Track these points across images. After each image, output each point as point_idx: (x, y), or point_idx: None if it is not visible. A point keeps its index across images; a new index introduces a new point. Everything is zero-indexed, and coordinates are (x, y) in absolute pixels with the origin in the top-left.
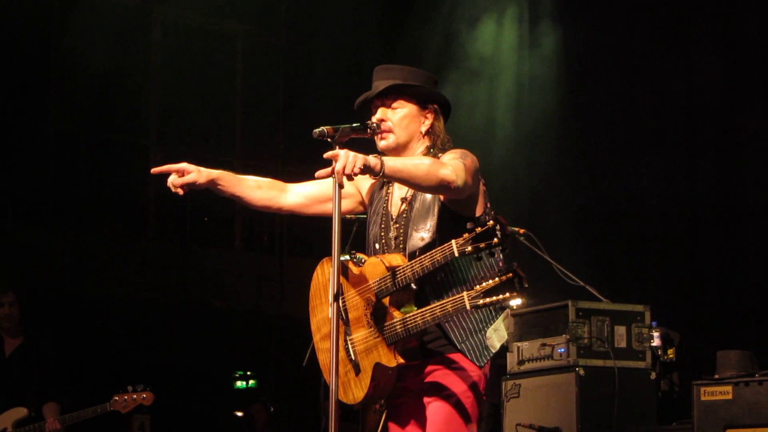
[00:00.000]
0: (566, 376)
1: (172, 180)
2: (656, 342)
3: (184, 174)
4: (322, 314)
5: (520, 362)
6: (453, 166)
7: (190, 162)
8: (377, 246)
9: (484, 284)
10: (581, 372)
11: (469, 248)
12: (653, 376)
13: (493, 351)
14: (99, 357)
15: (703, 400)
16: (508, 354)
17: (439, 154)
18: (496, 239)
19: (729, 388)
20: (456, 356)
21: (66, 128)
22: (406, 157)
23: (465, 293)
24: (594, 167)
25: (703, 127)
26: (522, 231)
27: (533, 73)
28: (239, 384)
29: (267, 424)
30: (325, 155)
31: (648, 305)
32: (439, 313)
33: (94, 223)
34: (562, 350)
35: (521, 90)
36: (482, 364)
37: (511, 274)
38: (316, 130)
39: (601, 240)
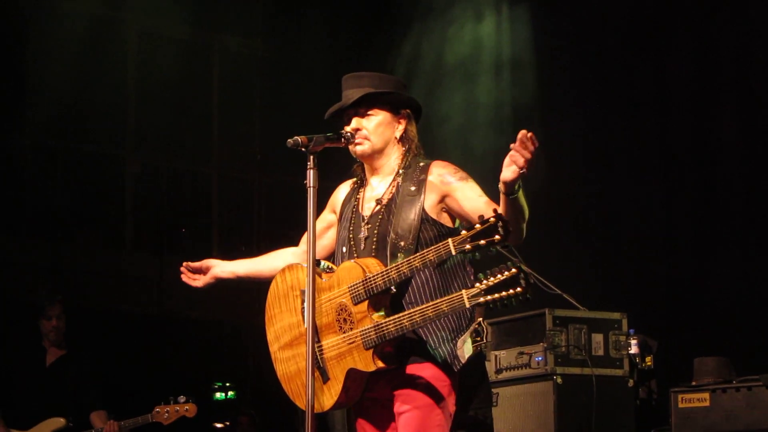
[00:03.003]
0: (544, 384)
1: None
2: (634, 350)
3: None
4: (281, 323)
5: (498, 371)
6: None
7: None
8: (344, 249)
9: (485, 282)
10: (559, 380)
11: (468, 246)
12: (631, 383)
13: (462, 362)
14: None
15: (680, 407)
16: (486, 363)
17: (421, 163)
18: (498, 236)
19: (707, 395)
20: (429, 366)
21: (42, 139)
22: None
23: (464, 291)
24: (571, 176)
25: (678, 136)
26: None
27: (509, 79)
28: (218, 395)
29: None
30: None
31: (625, 313)
32: (431, 314)
33: (70, 234)
34: (540, 358)
35: (500, 102)
36: (454, 370)
37: (515, 270)
38: (290, 140)
39: (578, 248)
